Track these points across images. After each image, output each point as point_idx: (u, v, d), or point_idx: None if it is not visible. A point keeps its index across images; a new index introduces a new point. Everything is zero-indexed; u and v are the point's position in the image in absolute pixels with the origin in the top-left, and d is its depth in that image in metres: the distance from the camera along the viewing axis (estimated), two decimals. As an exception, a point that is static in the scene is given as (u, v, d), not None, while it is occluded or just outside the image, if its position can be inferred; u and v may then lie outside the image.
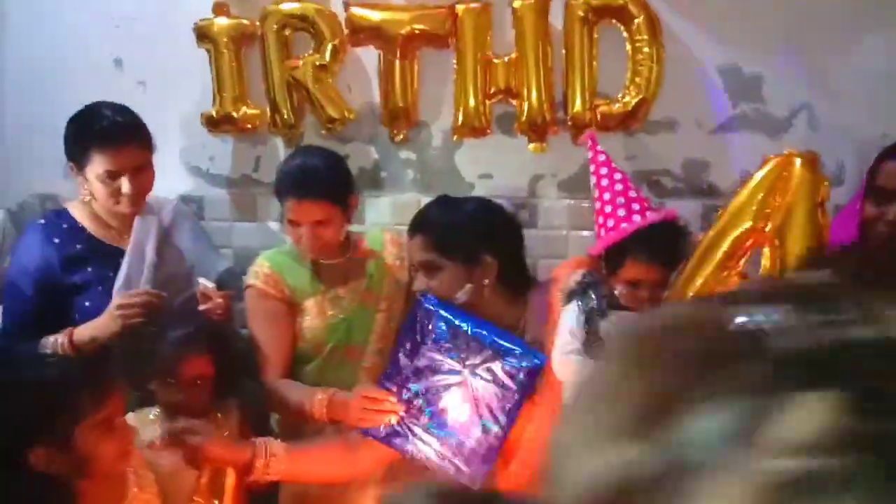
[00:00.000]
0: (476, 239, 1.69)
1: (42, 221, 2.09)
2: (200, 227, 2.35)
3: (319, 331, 2.02)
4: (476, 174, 2.38)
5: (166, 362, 1.77)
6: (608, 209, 1.52)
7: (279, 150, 2.48)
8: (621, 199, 1.52)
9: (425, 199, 2.37)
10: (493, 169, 2.33)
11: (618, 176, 1.54)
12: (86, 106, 1.98)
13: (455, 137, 2.34)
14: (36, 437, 1.34)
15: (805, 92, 2.17)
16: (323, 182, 1.92)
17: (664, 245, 1.48)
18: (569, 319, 1.51)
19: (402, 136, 2.37)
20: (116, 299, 1.92)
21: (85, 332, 1.90)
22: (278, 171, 2.01)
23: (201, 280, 2.01)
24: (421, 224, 1.73)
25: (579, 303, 1.51)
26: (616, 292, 1.51)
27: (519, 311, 1.67)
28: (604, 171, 1.55)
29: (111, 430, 1.41)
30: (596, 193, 1.57)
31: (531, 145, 2.29)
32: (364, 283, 2.06)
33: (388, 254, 2.11)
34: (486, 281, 1.66)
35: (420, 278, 1.72)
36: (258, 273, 2.03)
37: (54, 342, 1.89)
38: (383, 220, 2.39)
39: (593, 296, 1.52)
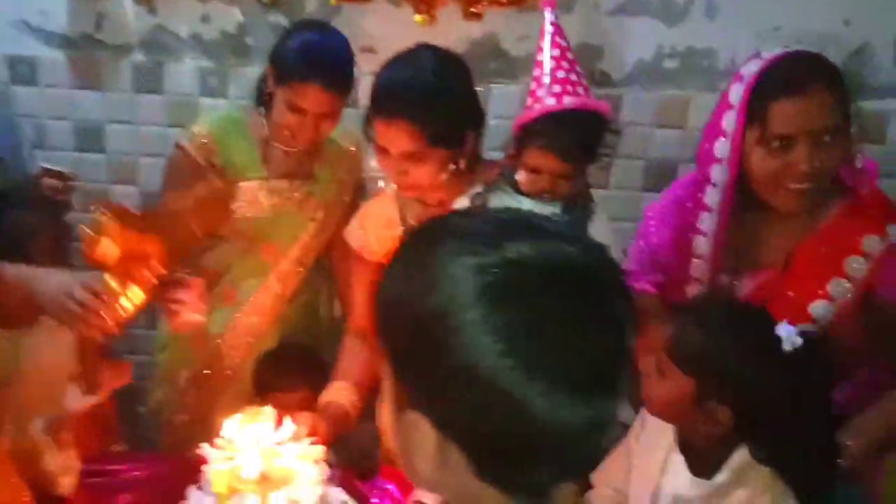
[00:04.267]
0: (464, 120, 1.49)
1: None
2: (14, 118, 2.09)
3: (244, 223, 1.81)
4: (356, 46, 2.14)
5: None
6: (532, 85, 1.38)
7: (125, 5, 2.13)
8: (546, 79, 1.37)
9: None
10: (375, 41, 2.11)
11: (554, 52, 1.38)
12: None
13: (333, 1, 2.09)
14: None
15: (704, -23, 2.08)
16: (347, 72, 1.69)
17: (571, 136, 1.34)
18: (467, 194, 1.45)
19: (271, -3, 2.09)
20: None
21: None
22: (285, 45, 1.68)
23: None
24: (404, 106, 1.42)
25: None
26: (516, 176, 1.39)
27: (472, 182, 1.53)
28: (544, 43, 1.40)
29: None
30: (534, 69, 1.43)
31: (417, 16, 2.08)
32: (308, 186, 1.84)
33: (343, 162, 1.88)
34: (462, 161, 1.49)
35: (389, 162, 1.47)
36: (194, 135, 1.78)
37: None
38: (246, 97, 2.13)
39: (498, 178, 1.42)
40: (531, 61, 2.10)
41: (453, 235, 0.64)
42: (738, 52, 2.07)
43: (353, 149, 1.90)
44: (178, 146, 1.79)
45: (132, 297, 1.29)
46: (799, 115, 1.30)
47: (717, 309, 1.28)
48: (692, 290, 1.49)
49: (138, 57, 2.21)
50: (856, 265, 1.36)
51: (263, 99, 1.74)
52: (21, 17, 2.15)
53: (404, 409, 0.65)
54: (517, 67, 2.12)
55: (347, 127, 1.80)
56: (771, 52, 1.38)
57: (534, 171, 1.37)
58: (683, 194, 1.54)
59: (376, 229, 1.68)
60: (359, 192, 1.94)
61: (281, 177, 1.82)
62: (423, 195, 1.57)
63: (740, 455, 1.19)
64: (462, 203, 1.45)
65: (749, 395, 1.15)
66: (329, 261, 1.97)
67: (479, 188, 1.46)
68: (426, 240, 0.66)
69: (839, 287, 1.36)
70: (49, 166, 1.80)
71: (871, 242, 1.36)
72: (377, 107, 1.46)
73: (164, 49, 2.19)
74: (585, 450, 0.63)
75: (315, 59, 1.65)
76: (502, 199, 1.42)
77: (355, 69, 1.72)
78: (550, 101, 1.35)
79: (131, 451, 1.79)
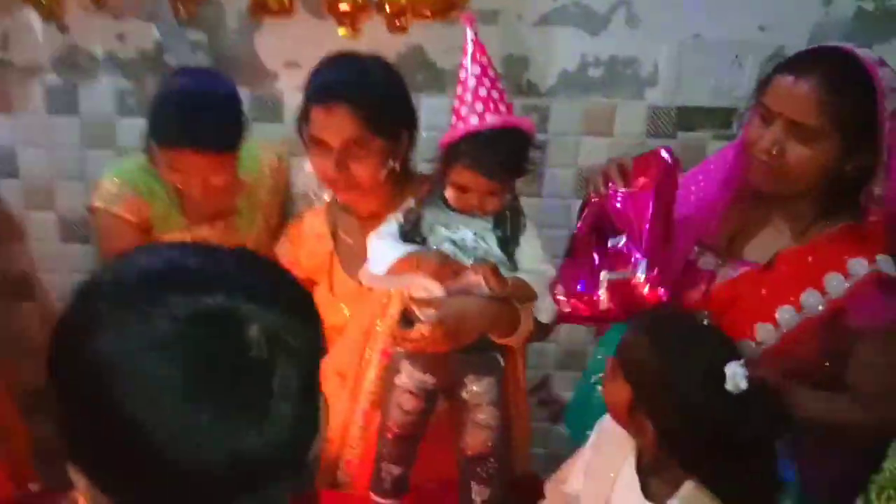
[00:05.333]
0: (400, 114, 1.47)
1: None
2: None
3: None
4: (281, 62, 2.11)
5: None
6: (456, 104, 1.36)
7: (33, 23, 2.04)
8: (468, 96, 1.35)
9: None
10: (300, 57, 2.07)
11: (475, 69, 1.36)
12: None
13: (253, 17, 2.05)
14: None
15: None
16: (229, 126, 1.61)
17: (496, 155, 1.33)
18: (403, 208, 1.43)
19: (187, 13, 2.03)
20: None
21: None
22: (157, 107, 1.58)
23: None
24: (344, 92, 1.40)
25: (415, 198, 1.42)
26: (445, 193, 1.38)
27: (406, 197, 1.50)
28: (466, 61, 1.38)
29: None
30: (458, 87, 1.41)
31: (341, 29, 2.05)
32: (231, 221, 1.77)
33: (263, 186, 1.81)
34: (396, 164, 1.47)
35: (327, 159, 1.43)
36: (115, 196, 1.68)
37: None
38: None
39: (430, 194, 1.41)
40: (450, 73, 2.13)
41: (100, 296, 0.65)
42: (660, 59, 2.12)
43: (276, 161, 1.85)
44: (101, 210, 1.70)
45: None
46: (785, 95, 1.32)
47: (676, 323, 1.27)
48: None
49: (51, 77, 2.11)
50: (834, 283, 1.34)
51: (151, 153, 1.65)
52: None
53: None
54: (445, 79, 2.11)
55: (267, 139, 1.76)
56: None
57: (461, 188, 1.36)
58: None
59: (307, 244, 1.64)
60: (284, 207, 1.90)
61: (202, 221, 1.75)
62: (359, 203, 1.54)
63: (689, 486, 1.17)
64: (395, 217, 1.43)
65: (674, 416, 1.14)
66: None
67: (411, 202, 1.45)
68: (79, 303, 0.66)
69: (811, 299, 1.35)
70: None
71: (857, 266, 1.33)
72: (317, 97, 1.43)
73: (78, 69, 2.10)
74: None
75: (187, 123, 1.53)
76: (435, 215, 1.40)
77: (243, 115, 1.65)
78: (473, 121, 1.34)
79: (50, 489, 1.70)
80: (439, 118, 2.09)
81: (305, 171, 1.63)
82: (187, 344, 0.60)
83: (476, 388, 1.42)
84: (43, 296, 2.24)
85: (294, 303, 0.68)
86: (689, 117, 2.16)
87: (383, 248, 1.39)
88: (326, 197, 1.70)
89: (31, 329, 2.17)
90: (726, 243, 1.49)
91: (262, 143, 1.86)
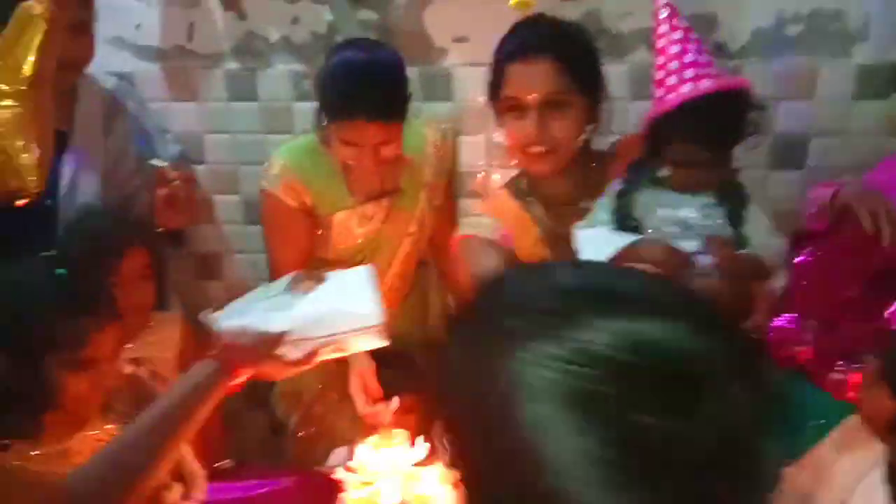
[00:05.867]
0: (598, 69, 1.43)
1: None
2: (145, 105, 2.09)
3: (342, 251, 1.77)
4: (450, 37, 2.06)
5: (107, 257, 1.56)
6: (659, 74, 1.26)
7: (215, 14, 2.11)
8: (674, 64, 1.24)
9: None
10: (469, 31, 2.01)
11: (675, 34, 1.26)
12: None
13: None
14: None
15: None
16: (396, 96, 1.58)
17: (716, 122, 1.21)
18: (609, 192, 1.37)
19: (359, -7, 2.02)
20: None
21: None
22: (324, 79, 1.59)
23: (155, 161, 1.79)
24: (547, 43, 1.36)
25: (622, 178, 1.35)
26: (659, 173, 1.27)
27: (594, 181, 1.43)
28: (663, 28, 1.27)
29: (88, 368, 1.19)
30: (656, 57, 1.32)
31: (513, 0, 1.96)
32: (396, 201, 1.77)
33: (427, 164, 1.79)
34: (593, 131, 1.42)
35: (530, 121, 1.36)
36: (275, 177, 1.73)
37: None
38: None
39: (636, 170, 1.33)
40: (636, 38, 1.98)
41: (512, 311, 0.55)
42: (871, 10, 1.87)
43: (440, 139, 1.81)
44: (265, 193, 1.74)
45: None
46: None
47: None
48: None
49: (230, 65, 2.18)
50: None
51: (322, 131, 1.64)
52: (117, 34, 2.15)
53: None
54: (621, 45, 1.98)
55: (433, 116, 1.73)
56: None
57: (680, 165, 1.24)
58: None
59: (514, 226, 1.55)
60: (450, 187, 1.86)
61: (368, 200, 1.74)
62: (551, 177, 1.43)
63: None
64: (603, 204, 1.34)
65: None
66: (435, 260, 1.92)
67: (618, 184, 1.35)
68: (483, 317, 0.58)
69: None
70: (161, 162, 1.79)
71: None
72: (516, 53, 1.39)
73: (255, 55, 2.16)
74: None
75: (355, 93, 1.51)
76: (652, 196, 1.30)
77: (408, 85, 1.62)
78: (685, 89, 1.22)
79: (240, 466, 1.77)
80: (619, 87, 1.99)
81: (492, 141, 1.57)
82: (619, 377, 0.49)
83: None
84: (229, 275, 2.34)
85: (731, 332, 0.57)
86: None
87: (597, 239, 1.30)
88: (499, 178, 1.64)
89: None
90: None
91: (428, 121, 1.83)
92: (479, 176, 1.88)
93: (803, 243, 1.45)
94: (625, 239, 1.26)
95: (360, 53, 1.57)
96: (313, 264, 1.78)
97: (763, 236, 1.29)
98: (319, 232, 1.77)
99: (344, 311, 1.27)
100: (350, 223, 1.75)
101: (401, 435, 1.28)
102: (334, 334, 1.26)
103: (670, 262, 1.23)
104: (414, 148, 1.74)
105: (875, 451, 1.15)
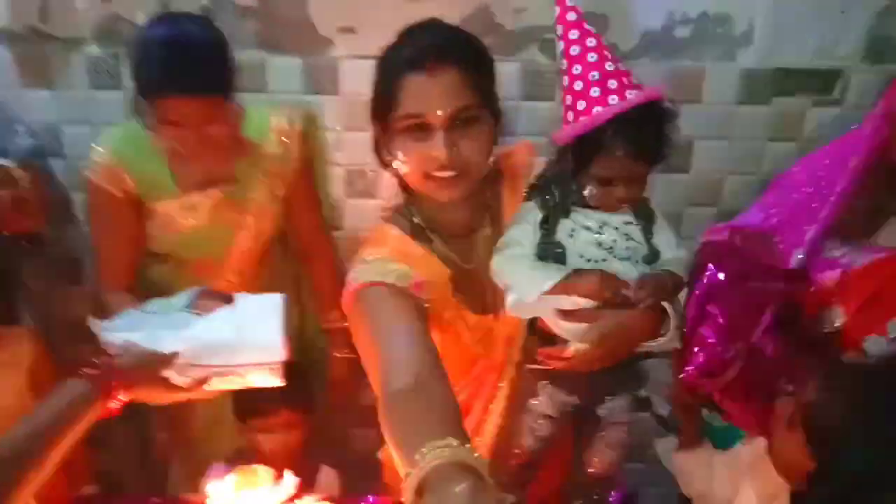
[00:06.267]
0: (494, 83, 1.23)
1: None
2: None
3: (167, 243, 1.64)
4: (335, 27, 1.94)
5: None
6: (578, 85, 1.17)
7: (74, -5, 1.91)
8: (595, 74, 1.17)
9: (271, 60, 1.96)
10: (356, 21, 1.90)
11: (591, 42, 1.19)
12: None
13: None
14: None
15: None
16: (215, 69, 1.46)
17: (645, 134, 1.16)
18: (527, 218, 1.24)
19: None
20: None
21: None
22: (137, 54, 1.46)
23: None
24: (453, 52, 1.14)
25: (539, 201, 1.24)
26: (585, 193, 1.20)
27: (485, 204, 1.32)
28: (573, 34, 1.19)
29: None
30: (563, 65, 1.20)
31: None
32: (228, 193, 1.63)
33: (270, 151, 1.66)
34: (496, 141, 1.25)
35: (437, 142, 1.15)
36: (97, 164, 1.59)
37: None
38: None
39: (556, 192, 1.23)
40: (527, 37, 1.94)
41: None
42: (756, 16, 1.90)
43: (286, 125, 1.69)
44: (89, 182, 1.61)
45: None
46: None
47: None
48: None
49: (93, 50, 1.98)
50: None
51: (142, 113, 1.51)
52: (-43, 11, 1.91)
53: None
54: (514, 42, 1.93)
55: (288, 106, 1.65)
56: None
57: (606, 182, 1.18)
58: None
59: (419, 267, 1.28)
60: (308, 177, 1.75)
61: (195, 188, 1.61)
62: (460, 202, 1.24)
63: None
64: (520, 230, 1.25)
65: None
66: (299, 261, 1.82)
67: (532, 209, 1.25)
68: None
69: None
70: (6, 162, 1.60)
71: None
72: (415, 62, 1.15)
73: (120, 39, 1.97)
74: None
75: (168, 68, 1.41)
76: (574, 219, 1.23)
77: (230, 58, 1.50)
78: (613, 100, 1.15)
79: (104, 494, 1.62)
80: (510, 87, 1.93)
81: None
82: None
83: (615, 404, 1.31)
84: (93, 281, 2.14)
85: None
86: (785, 81, 1.94)
87: (529, 272, 1.21)
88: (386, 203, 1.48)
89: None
90: (857, 229, 1.31)
91: (273, 105, 1.72)
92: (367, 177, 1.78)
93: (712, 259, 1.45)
94: (561, 270, 1.19)
95: (172, 26, 1.47)
96: (145, 259, 1.67)
97: (673, 250, 1.26)
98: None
99: (245, 342, 1.17)
100: (173, 213, 1.62)
101: (262, 473, 1.16)
102: (229, 365, 1.15)
103: (606, 290, 1.18)
104: (255, 133, 1.64)
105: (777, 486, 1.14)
